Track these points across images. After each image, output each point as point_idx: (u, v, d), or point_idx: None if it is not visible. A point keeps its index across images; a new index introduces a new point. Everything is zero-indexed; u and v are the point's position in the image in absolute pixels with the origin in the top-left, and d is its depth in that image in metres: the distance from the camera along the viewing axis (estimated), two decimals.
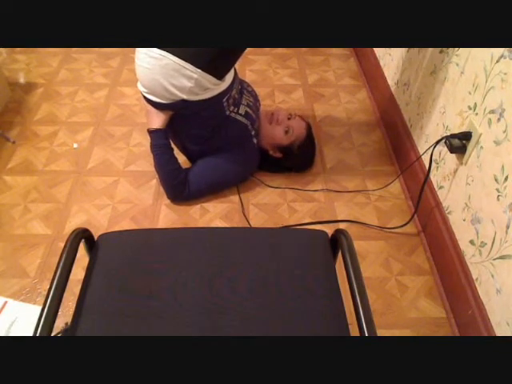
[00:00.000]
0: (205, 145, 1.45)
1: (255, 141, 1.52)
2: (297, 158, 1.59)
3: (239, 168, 1.51)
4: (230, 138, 1.45)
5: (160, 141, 1.40)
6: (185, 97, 1.28)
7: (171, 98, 1.29)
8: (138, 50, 1.28)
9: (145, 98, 1.35)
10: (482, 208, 1.11)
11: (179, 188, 1.45)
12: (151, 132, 1.39)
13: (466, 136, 1.17)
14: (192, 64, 1.21)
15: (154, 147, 1.41)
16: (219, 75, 1.29)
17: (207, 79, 1.26)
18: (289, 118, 1.57)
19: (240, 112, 1.46)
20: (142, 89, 1.34)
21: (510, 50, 1.00)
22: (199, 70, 1.23)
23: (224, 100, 1.38)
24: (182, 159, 1.54)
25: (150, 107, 1.37)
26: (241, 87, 1.51)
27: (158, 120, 1.37)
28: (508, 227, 1.00)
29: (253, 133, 1.50)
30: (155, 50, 1.21)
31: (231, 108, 1.43)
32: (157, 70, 1.23)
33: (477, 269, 1.13)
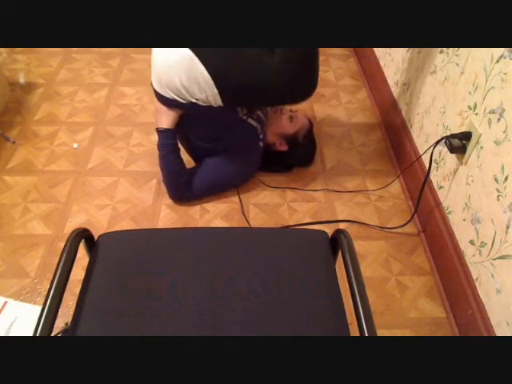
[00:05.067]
0: (212, 144, 1.45)
1: (261, 144, 1.52)
2: (302, 150, 1.60)
3: (242, 170, 1.52)
4: (239, 140, 1.45)
5: (168, 140, 1.40)
6: (193, 100, 1.29)
7: (182, 97, 1.29)
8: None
9: (157, 94, 1.35)
10: (482, 208, 1.11)
11: (182, 188, 1.45)
12: (160, 131, 1.39)
13: (466, 136, 1.17)
14: (214, 81, 1.22)
15: (161, 146, 1.40)
16: (228, 104, 1.30)
17: (216, 100, 1.27)
18: (290, 111, 1.60)
19: (253, 116, 1.46)
20: (155, 84, 1.33)
21: (510, 50, 1.00)
22: (216, 91, 1.24)
23: None
24: (185, 159, 1.55)
25: (159, 105, 1.36)
26: None
27: (167, 119, 1.36)
28: (508, 227, 1.00)
29: (261, 136, 1.51)
30: (187, 50, 1.21)
31: (244, 111, 1.43)
32: (178, 69, 1.23)
33: (477, 269, 1.13)
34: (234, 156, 1.47)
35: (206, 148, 1.47)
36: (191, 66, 1.22)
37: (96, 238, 0.87)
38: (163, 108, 1.36)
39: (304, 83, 1.30)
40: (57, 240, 1.37)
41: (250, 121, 1.45)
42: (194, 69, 1.22)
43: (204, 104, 1.29)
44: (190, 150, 1.54)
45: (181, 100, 1.30)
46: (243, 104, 1.40)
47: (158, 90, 1.33)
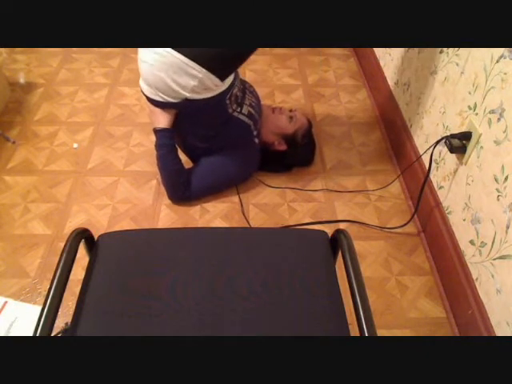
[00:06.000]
0: (209, 142, 1.45)
1: (257, 141, 1.52)
2: (301, 150, 1.60)
3: (240, 168, 1.51)
4: (232, 138, 1.45)
5: (166, 140, 1.39)
6: (188, 95, 1.28)
7: (174, 95, 1.29)
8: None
9: (147, 98, 1.35)
10: (482, 208, 1.11)
11: (181, 188, 1.45)
12: (158, 131, 1.38)
13: (465, 136, 1.17)
14: (198, 63, 1.21)
15: (159, 147, 1.40)
16: (222, 76, 1.29)
17: (210, 79, 1.26)
18: (290, 111, 1.60)
19: (243, 112, 1.46)
20: (144, 88, 1.33)
21: (510, 50, 1.00)
22: (204, 70, 1.23)
23: (227, 98, 1.38)
24: (183, 159, 1.55)
25: (153, 107, 1.36)
26: (243, 87, 1.51)
27: (163, 119, 1.36)
28: (508, 227, 1.00)
29: (255, 133, 1.51)
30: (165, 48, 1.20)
31: (234, 106, 1.43)
32: (161, 67, 1.23)
33: (477, 269, 1.13)
34: (231, 154, 1.47)
35: (202, 148, 1.47)
36: (171, 60, 1.21)
37: (96, 238, 0.87)
38: (157, 108, 1.36)
39: None
40: (57, 240, 1.37)
41: (241, 117, 1.45)
42: (174, 61, 1.21)
43: (200, 95, 1.28)
44: (187, 151, 1.54)
45: (173, 100, 1.30)
46: (236, 67, 1.37)
47: (148, 95, 1.33)
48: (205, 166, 1.48)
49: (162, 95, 1.29)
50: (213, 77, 1.26)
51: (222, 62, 1.26)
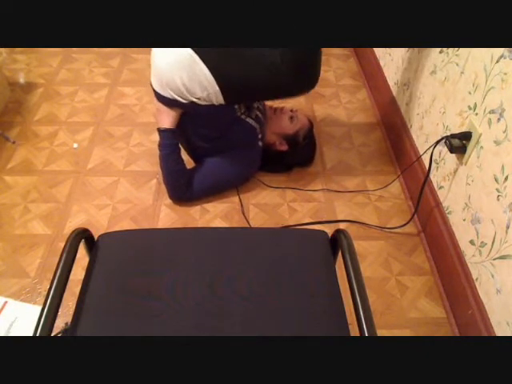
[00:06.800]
0: (212, 143, 1.45)
1: (261, 144, 1.52)
2: (302, 150, 1.60)
3: (242, 170, 1.52)
4: (237, 140, 1.46)
5: (169, 140, 1.40)
6: (193, 100, 1.28)
7: (181, 96, 1.29)
8: None
9: (157, 95, 1.35)
10: (482, 208, 1.11)
11: (182, 189, 1.45)
12: (162, 131, 1.39)
13: (465, 136, 1.17)
14: (215, 79, 1.22)
15: (162, 146, 1.40)
16: (229, 101, 1.30)
17: (217, 98, 1.27)
18: (291, 111, 1.60)
19: (251, 115, 1.47)
20: (155, 84, 1.33)
21: (510, 50, 1.00)
22: (217, 88, 1.24)
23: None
24: (185, 159, 1.55)
25: (160, 105, 1.36)
26: None
27: (168, 119, 1.36)
28: (508, 227, 1.00)
29: (260, 136, 1.51)
30: (187, 48, 1.21)
31: (242, 110, 1.43)
32: (177, 66, 1.23)
33: (477, 269, 1.13)
34: (234, 156, 1.47)
35: (205, 148, 1.47)
36: (191, 65, 1.21)
37: (96, 238, 0.87)
38: (164, 108, 1.35)
39: (305, 78, 1.30)
40: (57, 240, 1.37)
41: (249, 120, 1.45)
42: (194, 67, 1.21)
43: (205, 103, 1.29)
44: (190, 150, 1.55)
45: (181, 100, 1.30)
46: (245, 100, 1.40)
47: (158, 90, 1.32)
48: (206, 166, 1.48)
49: (172, 93, 1.29)
50: (220, 97, 1.26)
51: (239, 90, 1.28)
